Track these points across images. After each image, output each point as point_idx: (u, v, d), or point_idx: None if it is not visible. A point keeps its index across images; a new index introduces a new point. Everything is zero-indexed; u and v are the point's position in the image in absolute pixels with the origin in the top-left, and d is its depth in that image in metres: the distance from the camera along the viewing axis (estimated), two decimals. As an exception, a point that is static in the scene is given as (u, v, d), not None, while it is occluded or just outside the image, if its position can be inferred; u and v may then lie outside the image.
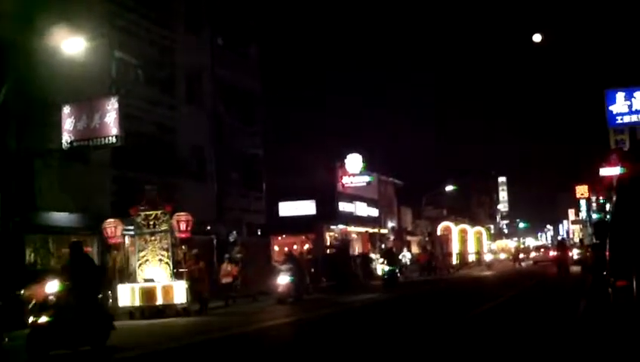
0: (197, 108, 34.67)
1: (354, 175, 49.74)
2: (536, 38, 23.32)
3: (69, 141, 25.24)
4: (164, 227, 22.96)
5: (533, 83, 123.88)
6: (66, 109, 25.31)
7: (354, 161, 49.39)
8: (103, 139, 25.01)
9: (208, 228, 33.60)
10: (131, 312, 22.38)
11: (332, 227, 47.86)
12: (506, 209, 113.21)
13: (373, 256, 44.14)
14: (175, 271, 22.64)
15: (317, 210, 46.69)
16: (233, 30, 38.53)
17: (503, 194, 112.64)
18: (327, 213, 46.97)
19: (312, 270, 35.75)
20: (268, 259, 35.82)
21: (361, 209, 52.77)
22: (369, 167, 50.43)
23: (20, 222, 23.91)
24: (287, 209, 46.48)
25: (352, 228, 50.68)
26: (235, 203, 36.94)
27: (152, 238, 23.01)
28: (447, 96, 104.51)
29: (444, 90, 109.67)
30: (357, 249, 48.79)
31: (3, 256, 22.27)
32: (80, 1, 26.07)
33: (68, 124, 25.26)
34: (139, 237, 23.28)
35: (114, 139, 24.84)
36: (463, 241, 70.40)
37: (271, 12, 44.70)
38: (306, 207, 46.69)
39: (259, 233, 39.03)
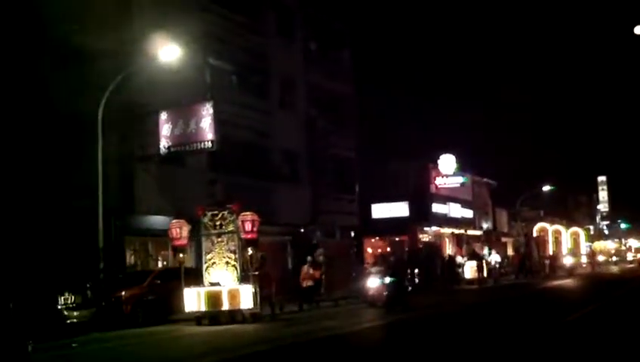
0: (290, 112, 35.05)
1: (447, 176, 49.27)
2: (638, 30, 22.46)
3: (166, 146, 26.01)
4: (230, 227, 21.57)
5: (635, 76, 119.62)
6: (164, 115, 26.09)
7: (447, 162, 48.91)
8: (198, 144, 25.69)
9: (302, 230, 33.97)
10: (198, 318, 21.17)
11: (425, 229, 47.52)
12: (606, 209, 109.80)
13: (459, 258, 42.82)
14: (242, 274, 21.30)
15: (410, 211, 46.42)
16: (325, 34, 38.77)
17: (603, 194, 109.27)
18: (421, 215, 46.66)
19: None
20: (357, 261, 35.56)
21: (455, 210, 52.20)
22: (463, 168, 49.87)
23: (120, 226, 24.77)
24: (380, 211, 46.37)
25: (445, 230, 50.18)
26: (328, 206, 37.13)
27: (219, 239, 21.67)
28: (544, 94, 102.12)
29: (542, 87, 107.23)
30: (447, 251, 48.02)
31: (105, 259, 23.05)
32: (175, 9, 26.72)
33: (165, 129, 26.04)
34: (205, 238, 21.96)
35: (209, 144, 25.47)
36: (557, 243, 68.63)
37: (362, 14, 44.79)
38: (399, 209, 46.47)
39: (352, 235, 39.16)
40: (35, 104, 25.23)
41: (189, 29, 26.56)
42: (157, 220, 25.79)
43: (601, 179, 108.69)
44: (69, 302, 20.23)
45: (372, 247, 43.55)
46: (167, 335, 19.02)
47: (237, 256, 21.35)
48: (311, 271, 26.74)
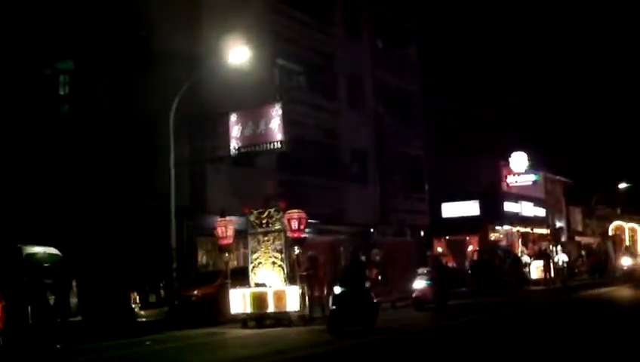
0: (358, 111, 35.02)
1: (519, 174, 48.52)
2: None
3: (236, 147, 26.30)
4: (277, 226, 20.52)
5: None
6: (233, 117, 26.38)
7: (519, 160, 48.14)
8: (268, 144, 25.92)
9: (372, 230, 33.91)
10: (244, 320, 20.20)
11: (497, 228, 46.90)
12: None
13: (525, 258, 41.60)
14: (289, 274, 20.23)
15: (481, 210, 45.90)
16: (392, 32, 38.64)
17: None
18: (492, 214, 46.08)
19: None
20: (420, 261, 34.72)
21: (527, 209, 51.37)
22: (535, 166, 49.04)
23: (192, 226, 25.14)
24: (451, 210, 45.96)
25: (517, 229, 49.41)
26: (398, 205, 36.99)
27: (265, 238, 20.71)
28: (619, 90, 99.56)
29: (618, 83, 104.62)
30: (519, 250, 47.02)
31: (178, 258, 23.45)
32: (243, 11, 26.97)
33: (235, 131, 26.31)
34: (252, 237, 21.02)
35: (279, 145, 25.66)
36: (634, 242, 66.80)
37: (430, 11, 44.40)
38: (470, 208, 45.99)
39: (422, 234, 38.92)
40: (110, 107, 25.89)
41: (258, 31, 26.83)
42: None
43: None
44: (142, 301, 20.64)
45: (442, 247, 43.15)
46: (220, 337, 18.79)
47: (283, 255, 20.38)
48: (367, 272, 25.66)
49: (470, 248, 43.72)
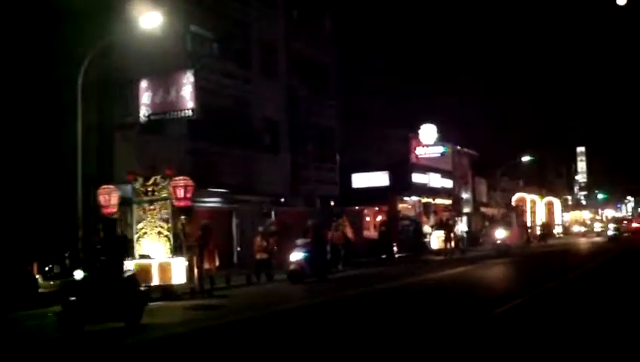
0: (272, 81, 34.87)
1: (428, 146, 49.32)
2: (621, 0, 22.11)
3: (146, 114, 25.80)
4: (163, 194, 19.72)
5: (616, 48, 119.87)
6: (144, 83, 25.84)
7: (428, 132, 48.91)
8: (179, 112, 25.51)
9: (282, 200, 33.96)
10: None
11: (405, 198, 47.63)
12: (585, 180, 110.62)
13: (426, 227, 42.23)
14: (176, 245, 19.43)
15: (390, 181, 46.46)
16: (307, 3, 38.46)
17: (582, 165, 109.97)
18: (401, 185, 46.72)
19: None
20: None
21: (435, 180, 52.31)
22: (443, 138, 49.93)
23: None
24: (361, 180, 46.38)
25: (425, 199, 50.30)
26: (308, 175, 37.15)
27: (151, 207, 19.85)
28: (525, 64, 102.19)
29: (523, 57, 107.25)
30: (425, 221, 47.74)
31: (84, 228, 22.92)
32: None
33: (145, 97, 25.80)
34: (137, 206, 20.10)
35: (190, 112, 25.29)
36: (532, 213, 69.22)
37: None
38: (380, 179, 46.48)
39: (332, 204, 39.20)
40: (15, 70, 24.92)
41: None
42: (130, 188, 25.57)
43: (580, 150, 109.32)
44: (45, 271, 20.10)
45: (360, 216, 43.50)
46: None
47: (170, 225, 19.56)
48: (264, 243, 25.16)
49: (378, 218, 44.21)
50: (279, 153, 35.04)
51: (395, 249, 37.36)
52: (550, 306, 15.60)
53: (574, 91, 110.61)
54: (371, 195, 43.64)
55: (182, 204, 19.44)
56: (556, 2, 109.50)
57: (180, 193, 19.39)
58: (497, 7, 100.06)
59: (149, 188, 19.95)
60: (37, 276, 19.78)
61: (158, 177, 19.86)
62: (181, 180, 19.56)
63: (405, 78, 52.89)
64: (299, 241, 24.57)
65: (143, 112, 25.79)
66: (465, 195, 58.53)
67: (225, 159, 30.11)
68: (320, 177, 38.47)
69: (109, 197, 20.32)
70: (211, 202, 29.01)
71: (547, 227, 65.80)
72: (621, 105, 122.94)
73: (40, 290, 19.44)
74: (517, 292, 17.81)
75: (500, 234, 38.10)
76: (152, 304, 17.45)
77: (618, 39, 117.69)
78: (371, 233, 41.47)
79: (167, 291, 19.38)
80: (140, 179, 20.06)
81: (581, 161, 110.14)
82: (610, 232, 57.37)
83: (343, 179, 42.05)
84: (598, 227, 75.28)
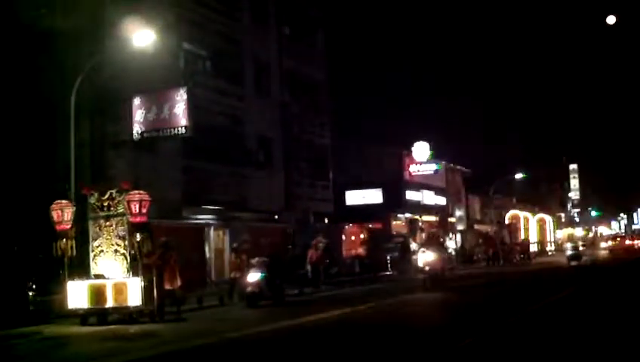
0: (265, 98, 34.92)
1: (421, 163, 49.46)
2: (610, 20, 22.17)
3: (139, 132, 25.77)
4: (120, 209, 18.47)
5: (607, 67, 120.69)
6: (137, 100, 25.85)
7: (421, 149, 49.05)
8: (172, 129, 25.46)
9: (276, 217, 33.95)
10: (83, 316, 18.17)
11: (399, 216, 47.68)
12: (577, 197, 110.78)
13: (414, 245, 41.74)
14: (132, 264, 18.22)
15: (384, 198, 46.57)
16: (299, 19, 38.63)
17: (575, 182, 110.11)
18: (394, 202, 46.81)
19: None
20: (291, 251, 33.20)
21: (429, 197, 52.43)
22: (437, 156, 50.08)
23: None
24: (354, 198, 46.47)
25: (419, 217, 50.34)
26: (302, 192, 37.15)
27: (107, 223, 18.63)
28: (519, 82, 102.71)
29: (516, 75, 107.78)
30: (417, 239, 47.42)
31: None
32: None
33: (138, 115, 25.80)
34: (93, 222, 18.86)
35: (183, 130, 25.24)
36: (526, 230, 69.29)
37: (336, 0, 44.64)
38: (373, 196, 46.60)
39: (326, 221, 39.20)
40: (8, 87, 24.90)
41: (163, 14, 26.34)
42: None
43: (573, 167, 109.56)
44: (39, 288, 19.99)
45: (346, 234, 43.42)
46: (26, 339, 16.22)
47: (127, 243, 18.35)
48: (237, 260, 23.97)
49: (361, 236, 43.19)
50: (273, 170, 35.04)
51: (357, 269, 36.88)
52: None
53: (566, 109, 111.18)
54: (365, 213, 43.70)
55: (137, 220, 18.10)
56: (550, 22, 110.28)
57: (135, 208, 18.03)
58: (492, 26, 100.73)
59: (105, 203, 18.76)
60: (30, 293, 19.63)
61: (114, 191, 18.71)
62: (136, 194, 18.23)
63: (399, 96, 53.16)
64: (254, 261, 22.52)
65: (137, 130, 25.77)
66: (458, 212, 58.61)
67: (218, 176, 30.10)
68: (314, 194, 38.47)
69: (62, 213, 19.02)
70: (204, 219, 29.00)
71: (522, 245, 61.14)
72: (613, 122, 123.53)
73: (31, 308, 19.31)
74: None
75: (428, 257, 27.36)
76: (84, 328, 17.11)
77: (611, 58, 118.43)
78: (359, 251, 41.03)
79: (124, 313, 18.37)
80: (96, 194, 18.91)
81: (574, 178, 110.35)
82: (568, 252, 45.90)
83: (337, 196, 42.05)
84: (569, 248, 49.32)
